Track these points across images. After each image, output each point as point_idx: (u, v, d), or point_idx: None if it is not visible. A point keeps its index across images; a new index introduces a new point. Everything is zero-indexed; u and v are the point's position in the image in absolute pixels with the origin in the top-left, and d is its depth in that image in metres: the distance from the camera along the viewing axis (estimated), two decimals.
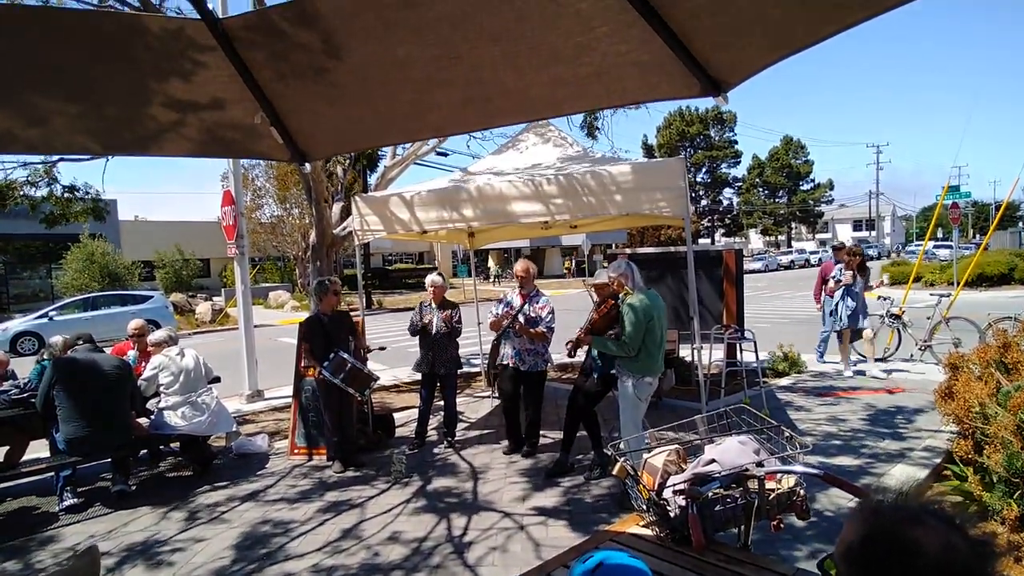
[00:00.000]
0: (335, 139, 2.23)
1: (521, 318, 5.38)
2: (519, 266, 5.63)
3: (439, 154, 13.21)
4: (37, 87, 1.64)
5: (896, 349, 9.09)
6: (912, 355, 8.86)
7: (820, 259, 51.65)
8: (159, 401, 5.42)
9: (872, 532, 0.90)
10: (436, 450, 5.83)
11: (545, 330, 5.38)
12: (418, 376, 6.26)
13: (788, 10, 1.42)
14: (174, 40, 1.57)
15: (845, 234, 75.09)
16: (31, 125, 1.73)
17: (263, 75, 1.76)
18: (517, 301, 5.50)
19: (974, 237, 51.61)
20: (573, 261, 41.92)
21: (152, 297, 17.81)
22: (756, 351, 7.03)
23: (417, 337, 5.99)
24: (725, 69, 1.68)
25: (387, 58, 1.71)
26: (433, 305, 5.95)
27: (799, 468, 2.16)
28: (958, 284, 13.14)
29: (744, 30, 1.53)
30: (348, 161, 9.54)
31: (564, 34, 1.59)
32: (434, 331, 5.81)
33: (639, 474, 2.40)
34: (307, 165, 7.40)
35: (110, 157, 7.71)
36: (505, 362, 5.53)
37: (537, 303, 5.47)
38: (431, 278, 6.08)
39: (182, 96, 1.77)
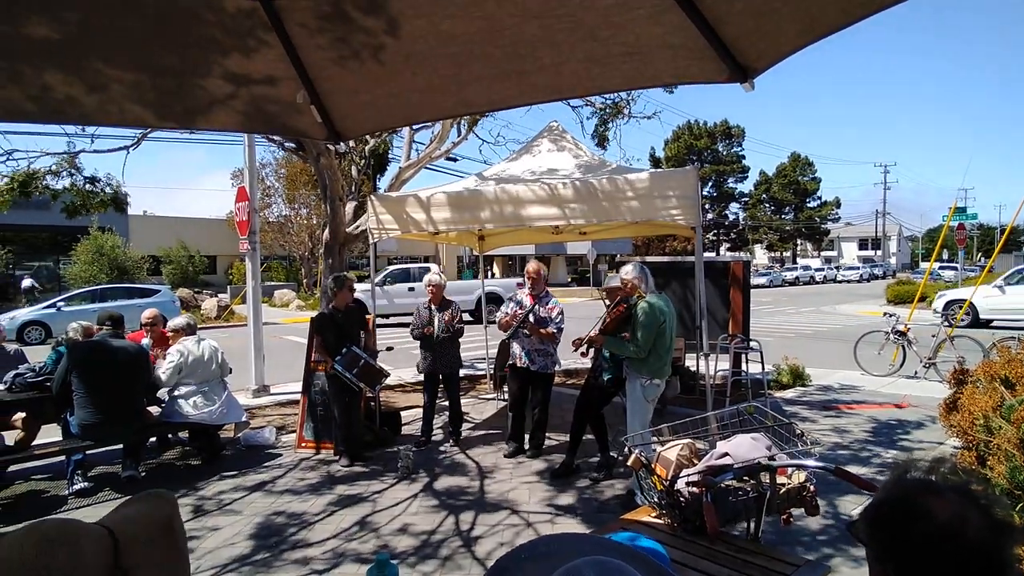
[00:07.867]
0: (370, 117, 2.28)
1: (531, 318, 5.42)
2: (530, 267, 5.62)
3: (449, 159, 13.40)
4: (102, 53, 1.70)
5: (901, 366, 9.14)
6: (916, 372, 8.91)
7: (826, 276, 50.62)
8: (172, 389, 5.49)
9: (889, 496, 0.96)
10: (442, 448, 5.88)
11: (555, 330, 5.41)
12: (422, 376, 6.30)
13: None
14: (246, 18, 1.66)
15: (851, 253, 75.06)
16: (91, 92, 1.80)
17: (307, 51, 1.84)
18: (527, 302, 5.54)
19: (979, 259, 51.52)
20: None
21: (160, 291, 17.92)
22: (762, 361, 7.07)
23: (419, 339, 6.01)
24: (753, 55, 1.73)
25: (431, 32, 1.78)
26: (433, 307, 5.98)
27: (810, 463, 2.22)
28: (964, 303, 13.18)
29: (774, 15, 1.59)
30: (363, 162, 9.65)
31: (604, 14, 1.65)
32: (436, 334, 5.85)
33: (653, 466, 2.46)
34: (321, 159, 7.52)
35: (130, 150, 7.82)
36: (514, 362, 5.57)
37: (547, 304, 5.52)
38: (428, 277, 6.06)
39: (235, 70, 1.85)
